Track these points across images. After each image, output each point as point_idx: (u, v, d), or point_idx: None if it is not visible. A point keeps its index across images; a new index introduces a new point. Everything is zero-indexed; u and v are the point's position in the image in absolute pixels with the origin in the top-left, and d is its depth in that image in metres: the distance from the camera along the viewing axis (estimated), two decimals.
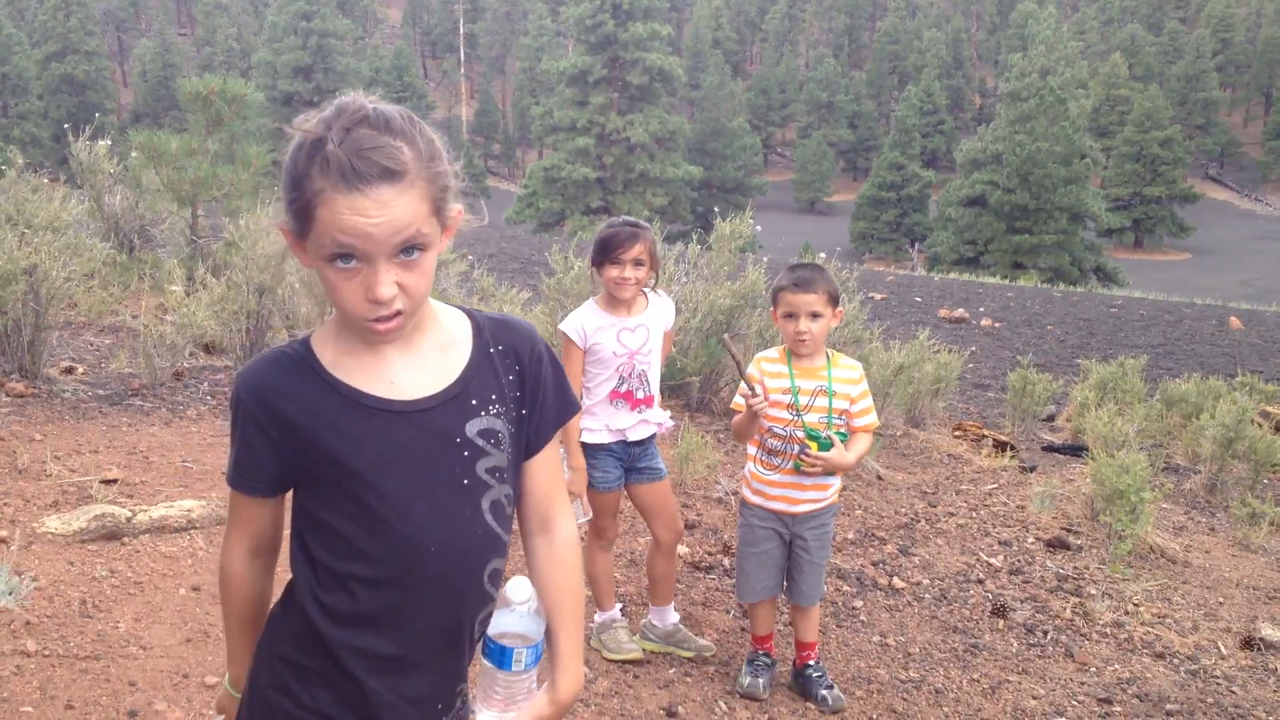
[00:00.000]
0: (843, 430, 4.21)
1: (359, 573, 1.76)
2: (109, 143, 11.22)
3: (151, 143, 9.96)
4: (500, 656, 1.87)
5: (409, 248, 1.65)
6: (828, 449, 4.13)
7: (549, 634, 1.94)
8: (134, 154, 10.33)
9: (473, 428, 1.81)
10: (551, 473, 1.99)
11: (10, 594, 3.91)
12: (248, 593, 1.92)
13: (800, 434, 4.16)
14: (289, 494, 1.88)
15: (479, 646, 1.91)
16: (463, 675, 1.91)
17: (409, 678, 1.82)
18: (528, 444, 1.92)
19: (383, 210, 1.60)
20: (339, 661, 1.79)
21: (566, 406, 1.97)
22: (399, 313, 1.69)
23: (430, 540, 1.76)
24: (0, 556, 4.16)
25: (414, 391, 1.78)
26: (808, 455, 4.14)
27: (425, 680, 1.84)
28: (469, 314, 1.90)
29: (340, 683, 1.80)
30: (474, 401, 1.82)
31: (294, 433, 1.75)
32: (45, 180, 10.68)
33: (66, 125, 13.88)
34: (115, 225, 10.81)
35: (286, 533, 1.91)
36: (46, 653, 3.68)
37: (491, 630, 1.88)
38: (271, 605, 1.93)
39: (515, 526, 1.98)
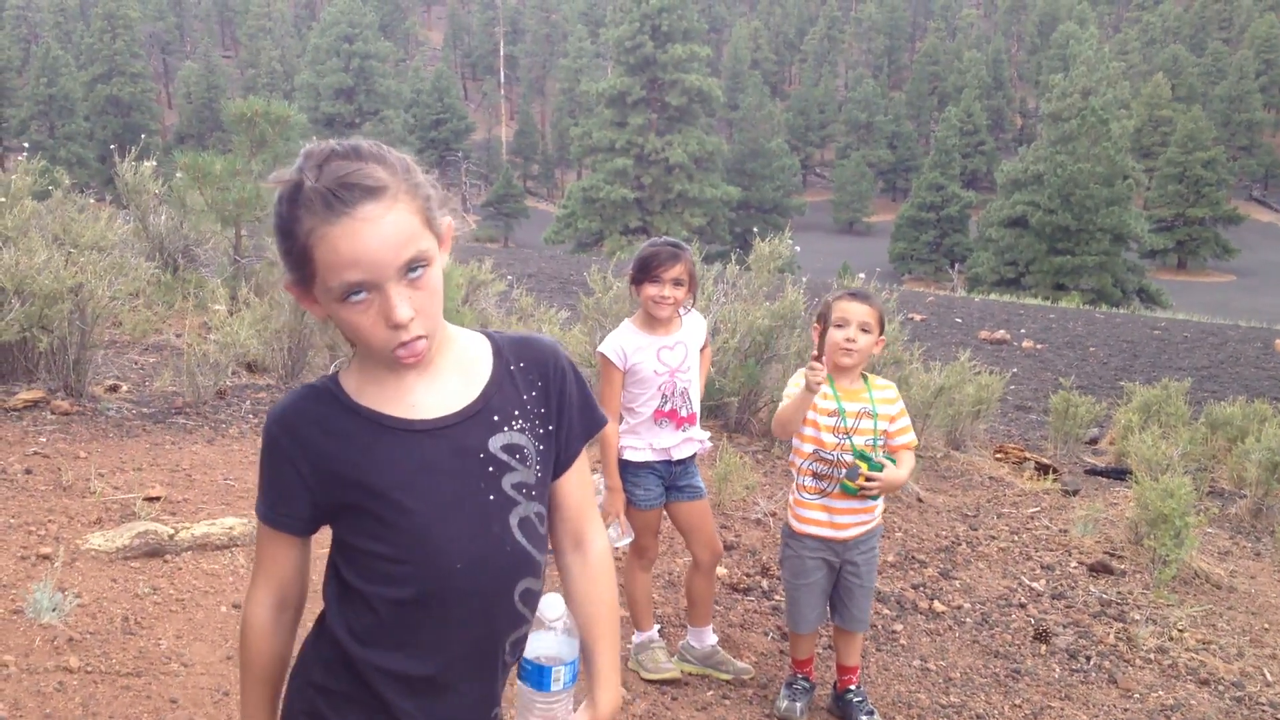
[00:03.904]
0: (879, 453, 4.19)
1: (387, 594, 1.77)
2: (154, 163, 11.35)
3: (196, 163, 10.07)
4: (538, 677, 1.87)
5: (413, 265, 1.66)
6: (879, 470, 4.12)
7: (585, 650, 1.94)
8: (179, 175, 10.44)
9: (496, 443, 1.81)
10: (582, 489, 1.99)
11: (54, 610, 3.94)
12: (269, 649, 1.90)
13: (848, 457, 4.14)
14: (314, 547, 1.89)
15: (514, 669, 1.90)
16: (497, 699, 1.90)
17: (441, 699, 1.82)
18: (557, 459, 1.92)
19: (375, 228, 1.62)
20: (369, 684, 1.79)
21: (593, 420, 1.97)
22: (420, 337, 1.71)
23: (456, 557, 1.76)
24: (44, 573, 4.20)
25: (435, 411, 1.79)
26: (866, 476, 4.12)
27: (458, 702, 1.84)
28: (488, 335, 1.92)
29: (371, 706, 1.80)
30: (496, 417, 1.82)
31: (321, 460, 1.77)
32: (91, 200, 10.81)
33: (112, 146, 14.08)
34: (160, 245, 10.93)
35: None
36: (89, 669, 3.71)
37: (527, 652, 1.88)
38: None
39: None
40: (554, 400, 1.90)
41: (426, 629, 1.78)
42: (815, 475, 4.25)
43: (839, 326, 4.14)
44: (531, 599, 1.87)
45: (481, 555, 1.78)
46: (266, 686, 1.91)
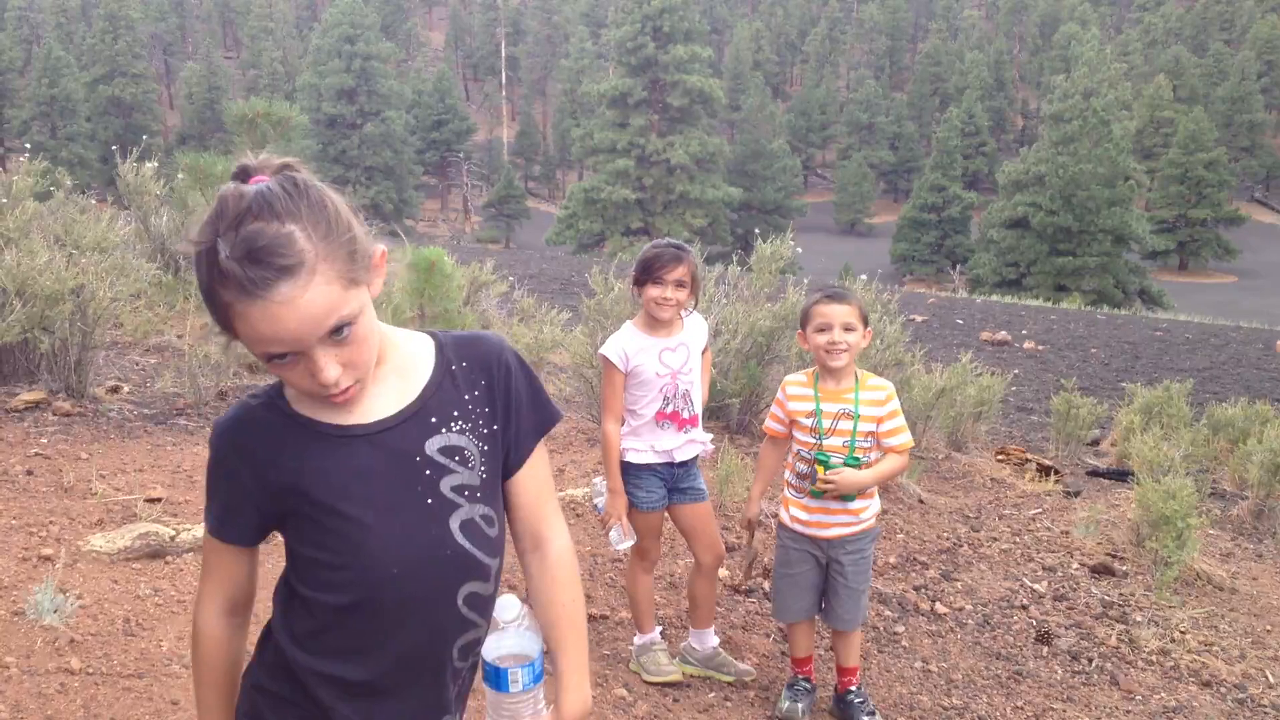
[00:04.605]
0: (858, 455, 4.17)
1: (327, 600, 1.76)
2: (156, 164, 11.33)
3: (198, 164, 10.06)
4: (496, 679, 1.85)
5: (337, 329, 1.62)
6: (838, 473, 4.13)
7: (550, 653, 1.92)
8: (180, 175, 10.42)
9: (433, 445, 1.79)
10: (539, 487, 1.95)
11: (55, 612, 3.94)
12: (221, 654, 1.89)
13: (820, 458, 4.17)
14: (263, 553, 1.89)
15: (480, 674, 1.89)
16: (447, 706, 1.89)
17: (382, 705, 1.81)
18: (506, 459, 1.89)
19: (292, 310, 1.57)
20: (307, 688, 1.79)
21: (545, 416, 1.94)
22: (351, 385, 1.69)
23: (393, 561, 1.75)
24: (45, 575, 4.19)
25: (372, 415, 1.77)
26: (823, 478, 4.13)
27: (401, 708, 1.83)
28: (433, 335, 1.90)
29: (308, 710, 1.80)
30: (434, 419, 1.80)
31: (262, 471, 1.76)
32: (93, 201, 10.78)
33: (114, 147, 14.06)
34: (161, 246, 10.90)
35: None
36: (90, 671, 3.70)
37: (487, 654, 1.86)
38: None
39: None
40: (499, 399, 1.87)
41: (366, 634, 1.78)
42: (798, 475, 4.28)
43: (822, 330, 4.14)
44: (478, 603, 1.85)
45: (420, 559, 1.77)
46: (220, 691, 1.90)
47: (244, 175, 1.63)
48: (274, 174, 1.62)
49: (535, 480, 1.95)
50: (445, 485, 1.80)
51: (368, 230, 1.71)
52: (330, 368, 1.64)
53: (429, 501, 1.78)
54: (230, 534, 1.83)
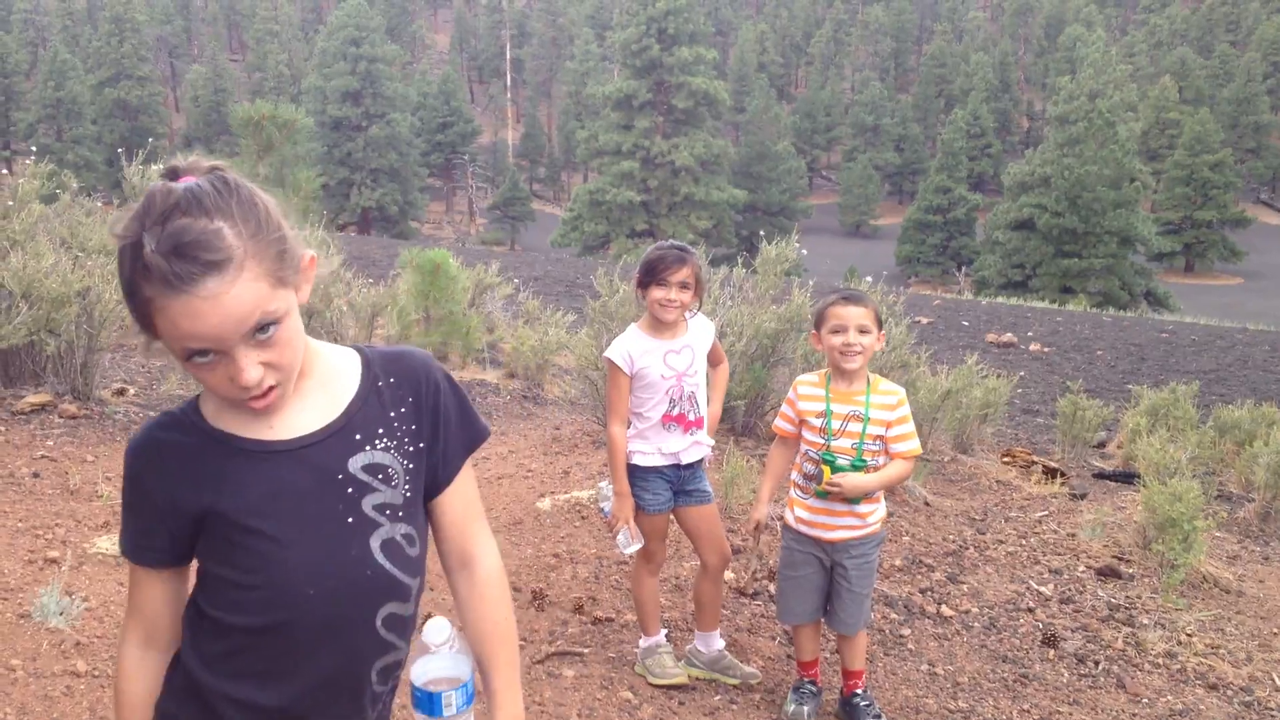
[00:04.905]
0: (865, 457, 4.16)
1: (238, 621, 1.72)
2: (161, 167, 11.36)
3: None
4: (429, 704, 1.80)
5: (261, 327, 1.59)
6: (845, 474, 4.12)
7: (481, 672, 1.88)
8: None
9: (356, 463, 1.75)
10: (466, 505, 1.92)
11: (61, 614, 3.94)
12: (132, 691, 1.82)
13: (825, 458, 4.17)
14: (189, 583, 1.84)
15: (409, 698, 1.85)
16: None
17: None
18: (434, 477, 1.86)
19: (215, 305, 1.53)
20: (216, 713, 1.75)
21: (474, 434, 1.91)
22: (272, 387, 1.65)
23: (308, 582, 1.71)
24: (51, 577, 4.20)
25: (294, 430, 1.73)
26: (829, 480, 4.13)
27: None
28: (359, 350, 1.86)
29: None
30: (358, 436, 1.76)
31: (176, 490, 1.71)
32: (99, 204, 10.81)
33: (120, 149, 14.07)
34: None
35: None
36: (96, 673, 3.71)
37: (418, 679, 1.81)
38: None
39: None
40: (426, 417, 1.83)
41: (279, 657, 1.73)
42: (805, 475, 4.27)
43: (836, 332, 4.14)
44: (398, 624, 1.81)
45: (337, 580, 1.73)
46: None
47: (173, 175, 1.61)
48: (203, 175, 1.61)
49: (463, 498, 1.91)
50: (367, 504, 1.76)
51: (298, 234, 1.69)
52: (252, 369, 1.60)
53: (350, 520, 1.74)
54: (147, 557, 1.77)
